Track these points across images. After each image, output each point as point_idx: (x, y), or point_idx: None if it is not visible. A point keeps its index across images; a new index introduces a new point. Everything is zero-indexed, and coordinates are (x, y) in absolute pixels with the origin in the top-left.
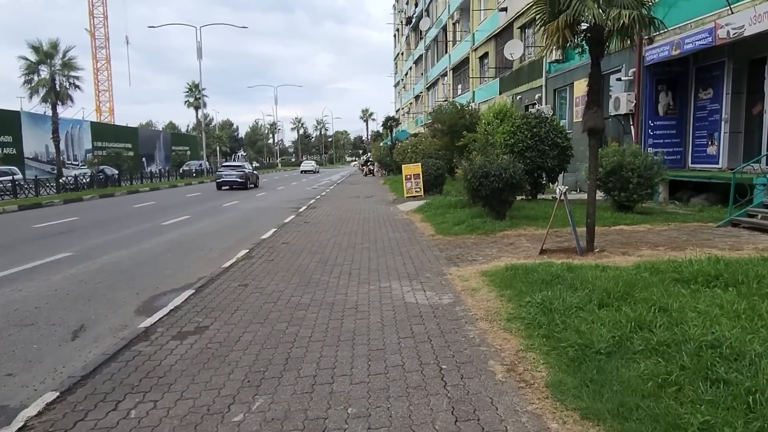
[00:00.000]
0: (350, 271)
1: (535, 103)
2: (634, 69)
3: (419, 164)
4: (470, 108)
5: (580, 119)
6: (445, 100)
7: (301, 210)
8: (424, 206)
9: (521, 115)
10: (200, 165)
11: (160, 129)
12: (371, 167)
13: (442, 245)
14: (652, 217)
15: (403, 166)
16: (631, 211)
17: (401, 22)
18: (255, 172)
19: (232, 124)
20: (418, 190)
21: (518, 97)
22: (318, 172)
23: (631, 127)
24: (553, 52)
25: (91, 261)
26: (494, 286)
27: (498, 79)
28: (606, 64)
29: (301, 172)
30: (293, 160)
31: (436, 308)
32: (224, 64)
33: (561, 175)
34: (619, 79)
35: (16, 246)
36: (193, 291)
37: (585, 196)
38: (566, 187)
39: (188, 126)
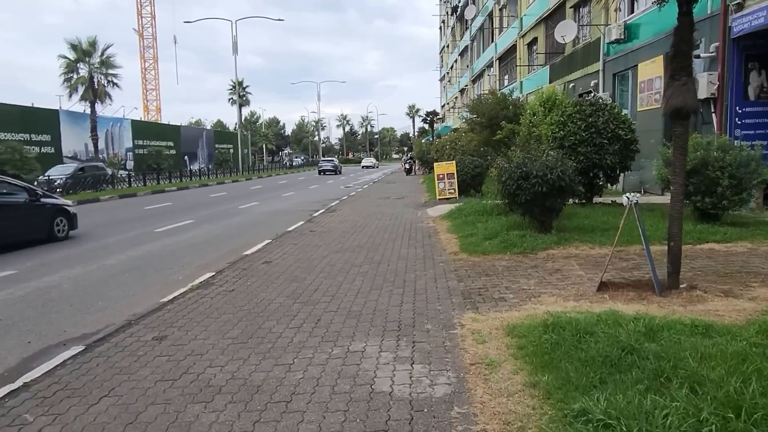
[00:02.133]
0: (320, 315)
1: (590, 91)
2: (717, 43)
3: (453, 162)
4: (514, 98)
5: (645, 107)
6: (490, 92)
7: (316, 214)
8: (454, 211)
9: (573, 102)
10: (62, 177)
11: (208, 127)
12: (408, 165)
13: (463, 270)
14: (749, 230)
15: (435, 164)
16: (719, 221)
17: (447, 12)
18: (340, 164)
19: (278, 122)
20: (452, 191)
21: (571, 85)
22: (376, 167)
23: (713, 114)
24: (613, 30)
25: (23, 284)
26: (524, 360)
27: (548, 66)
28: None
29: (362, 167)
30: (338, 157)
31: (418, 409)
32: (274, 63)
33: (622, 175)
34: (697, 57)
35: None
36: (83, 347)
37: (653, 199)
38: (637, 195)
39: (236, 124)
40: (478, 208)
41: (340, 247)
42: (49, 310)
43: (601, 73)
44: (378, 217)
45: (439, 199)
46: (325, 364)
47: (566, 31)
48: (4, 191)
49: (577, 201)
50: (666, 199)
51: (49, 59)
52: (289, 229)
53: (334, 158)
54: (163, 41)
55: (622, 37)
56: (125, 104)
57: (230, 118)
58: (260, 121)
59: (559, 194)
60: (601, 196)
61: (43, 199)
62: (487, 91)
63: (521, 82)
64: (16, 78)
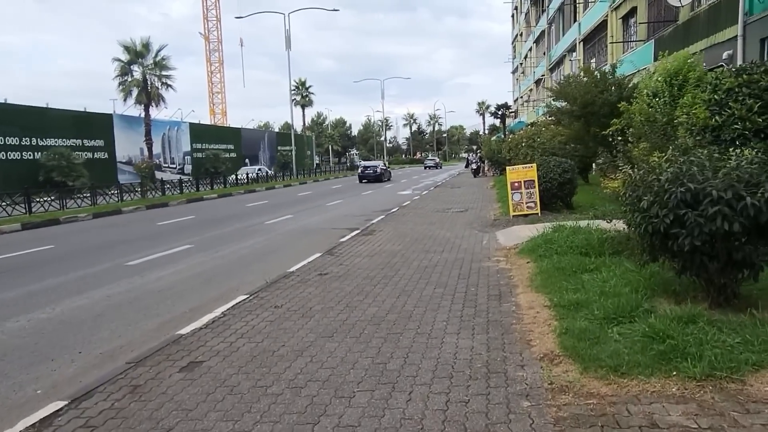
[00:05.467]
0: None
1: (721, 66)
2: None
3: (533, 166)
4: (617, 77)
5: None
6: (584, 70)
7: (345, 238)
8: (539, 243)
9: (737, 70)
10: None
11: (276, 130)
12: (475, 166)
13: None
14: None
15: (507, 169)
16: None
17: None
18: (440, 161)
19: (345, 123)
20: (532, 205)
21: (689, 61)
22: (440, 167)
23: None
24: None
25: None
26: None
27: (652, 41)
28: None
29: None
30: (405, 157)
31: None
32: (348, 66)
33: None
34: None
35: None
36: None
37: None
38: None
39: (302, 126)
40: (577, 239)
41: (343, 322)
42: None
43: (739, 40)
44: (426, 246)
45: (514, 215)
46: None
47: None
48: (383, 166)
49: None
50: None
51: None
52: (294, 268)
53: (436, 158)
54: (238, 47)
55: None
56: (172, 106)
57: (298, 120)
58: (326, 122)
59: (764, 236)
60: None
61: (387, 168)
62: (576, 71)
63: (614, 64)
64: (109, 89)
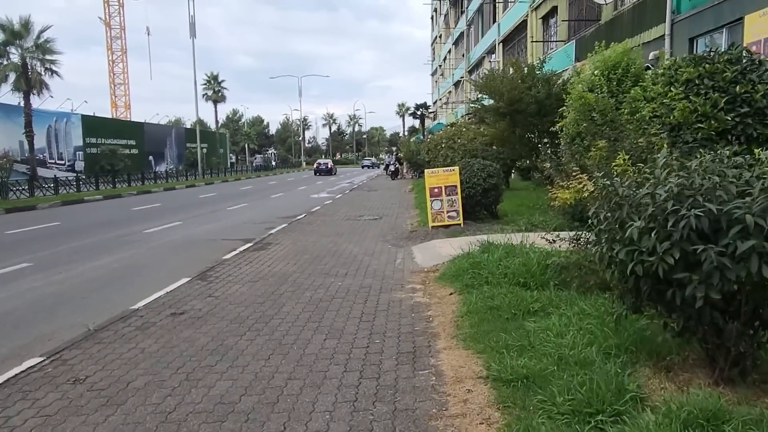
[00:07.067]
0: None
1: (648, 67)
2: None
3: (455, 169)
4: (545, 73)
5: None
6: (511, 64)
7: (231, 255)
8: (465, 267)
9: (696, 58)
10: None
11: (188, 126)
12: (393, 168)
13: None
14: None
15: (426, 172)
16: None
17: None
18: (377, 161)
19: (262, 121)
20: (454, 214)
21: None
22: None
23: None
24: None
25: None
26: None
27: (573, 42)
28: None
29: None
30: (324, 157)
31: None
32: (268, 63)
33: None
34: None
35: None
36: None
37: None
38: None
39: (219, 123)
40: (512, 263)
41: (165, 417)
42: None
43: (667, 40)
44: (327, 266)
45: (433, 226)
46: None
47: None
48: (332, 164)
49: None
50: None
51: None
52: (141, 304)
53: (372, 158)
54: (155, 41)
55: None
56: (61, 95)
57: (210, 116)
58: (243, 120)
59: None
60: None
61: (334, 165)
62: (499, 66)
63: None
64: None
